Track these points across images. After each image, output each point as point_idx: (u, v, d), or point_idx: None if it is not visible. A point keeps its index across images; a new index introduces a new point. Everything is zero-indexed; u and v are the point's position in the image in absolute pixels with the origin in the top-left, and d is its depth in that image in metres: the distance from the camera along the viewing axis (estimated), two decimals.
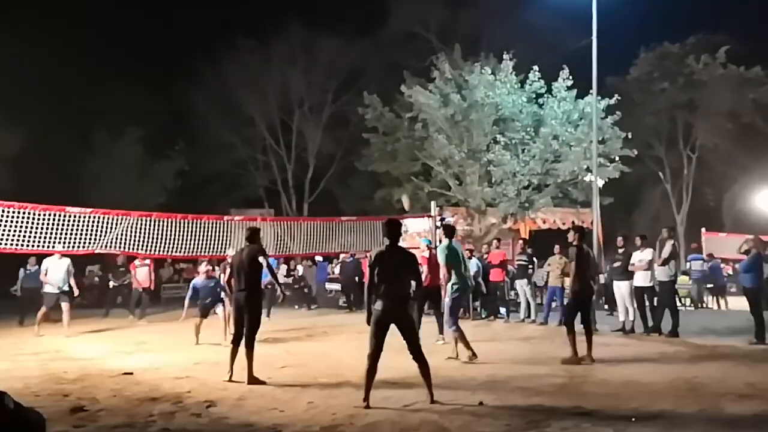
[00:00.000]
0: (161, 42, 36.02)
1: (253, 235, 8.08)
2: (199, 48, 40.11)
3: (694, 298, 18.21)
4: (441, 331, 10.62)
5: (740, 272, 11.68)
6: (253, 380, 7.47)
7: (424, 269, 10.90)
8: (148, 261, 16.97)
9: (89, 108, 28.87)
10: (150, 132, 29.99)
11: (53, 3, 30.66)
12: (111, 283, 18.04)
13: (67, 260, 13.27)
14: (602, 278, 14.74)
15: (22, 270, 16.13)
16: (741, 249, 11.25)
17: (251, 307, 7.71)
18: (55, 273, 13.11)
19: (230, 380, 7.56)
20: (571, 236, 9.25)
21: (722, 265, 21.30)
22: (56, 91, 26.86)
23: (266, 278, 14.73)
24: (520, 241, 15.77)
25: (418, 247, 16.46)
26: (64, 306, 13.12)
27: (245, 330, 7.66)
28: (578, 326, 8.78)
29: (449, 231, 9.42)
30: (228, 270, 8.35)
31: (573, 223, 21.32)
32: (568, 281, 13.70)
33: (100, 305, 18.30)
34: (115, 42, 33.53)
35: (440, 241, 10.31)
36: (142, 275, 16.65)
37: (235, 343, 7.72)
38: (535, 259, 15.65)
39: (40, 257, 13.58)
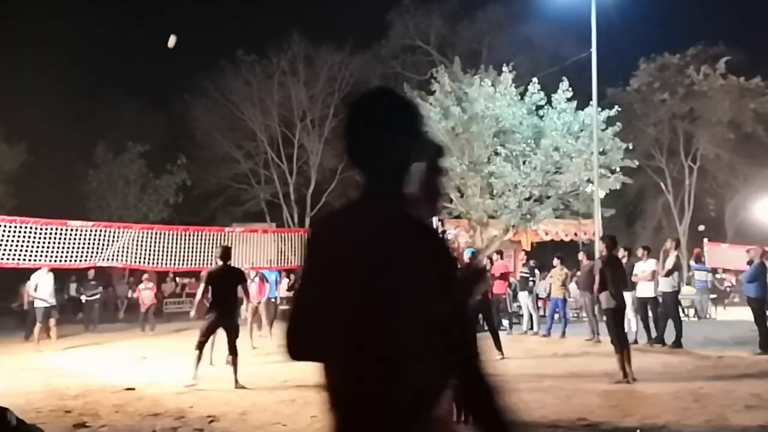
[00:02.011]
0: (163, 57, 36.13)
1: (226, 254, 8.78)
2: (201, 63, 40.26)
3: (698, 308, 18.16)
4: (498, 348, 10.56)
5: (744, 282, 11.64)
6: (239, 385, 8.16)
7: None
8: (151, 284, 17.46)
9: (91, 123, 28.98)
10: (152, 147, 30.06)
11: (55, 20, 30.86)
12: (83, 297, 18.10)
13: (51, 274, 13.37)
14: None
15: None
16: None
17: (231, 322, 8.42)
18: (44, 287, 13.21)
19: (194, 384, 8.09)
20: (600, 246, 9.09)
21: (724, 275, 21.24)
22: (58, 107, 26.97)
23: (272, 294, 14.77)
24: (522, 253, 15.75)
25: None
26: (52, 321, 13.23)
27: (230, 340, 8.31)
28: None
29: None
30: (203, 284, 8.93)
31: (575, 234, 21.35)
32: (566, 291, 13.81)
33: (102, 320, 18.30)
34: (116, 57, 33.72)
35: None
36: (147, 296, 17.47)
37: (201, 348, 8.30)
38: (537, 270, 15.63)
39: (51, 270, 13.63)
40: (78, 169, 28.70)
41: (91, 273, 17.52)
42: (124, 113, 28.70)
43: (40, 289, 13.24)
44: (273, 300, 17.20)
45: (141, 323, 17.75)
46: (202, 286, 9.00)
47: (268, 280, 15.58)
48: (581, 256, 14.15)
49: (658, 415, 6.20)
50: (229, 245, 10.46)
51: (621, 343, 8.19)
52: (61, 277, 15.67)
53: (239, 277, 8.73)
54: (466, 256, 11.66)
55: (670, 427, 5.82)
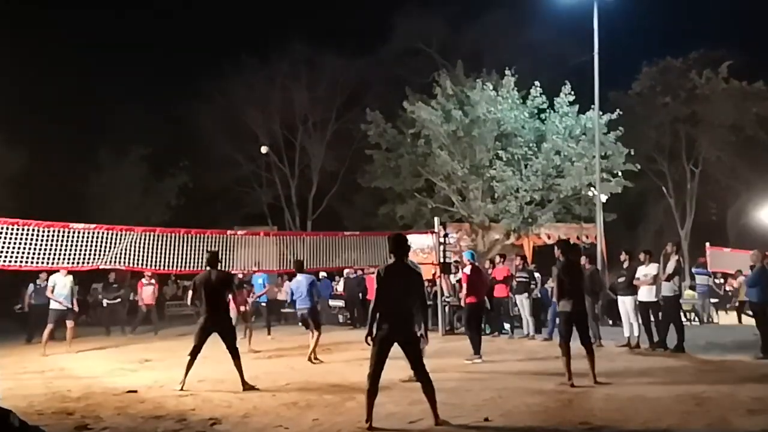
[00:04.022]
0: (166, 60, 36.29)
1: (214, 259, 8.90)
2: (204, 66, 40.43)
3: (699, 312, 18.13)
4: (476, 351, 10.55)
5: (746, 287, 11.61)
6: (247, 386, 8.19)
7: (464, 287, 11.00)
8: (153, 280, 17.14)
9: (94, 126, 29.05)
10: (154, 150, 30.12)
11: (58, 22, 30.96)
12: (105, 301, 18.01)
13: (71, 277, 13.32)
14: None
15: (31, 285, 15.99)
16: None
17: (224, 325, 8.53)
18: (61, 289, 13.16)
19: (182, 389, 8.12)
20: (556, 252, 9.00)
21: (723, 280, 21.18)
22: (61, 110, 27.05)
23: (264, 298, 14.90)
24: (519, 258, 15.69)
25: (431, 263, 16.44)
26: (69, 323, 13.19)
27: (228, 345, 8.40)
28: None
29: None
30: (190, 290, 9.24)
31: (577, 237, 21.34)
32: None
33: (101, 323, 18.25)
34: (119, 61, 33.81)
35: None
36: (147, 293, 16.91)
37: (194, 355, 8.41)
38: (536, 275, 15.59)
39: (51, 273, 13.56)
40: (80, 171, 28.73)
41: (112, 276, 17.39)
42: (126, 116, 28.75)
43: (57, 291, 13.16)
44: (264, 304, 17.16)
45: (135, 323, 17.15)
46: (190, 292, 9.26)
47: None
48: (583, 260, 14.10)
49: (660, 418, 6.20)
50: (217, 250, 10.64)
51: (567, 347, 8.27)
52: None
53: (226, 281, 8.79)
54: (466, 259, 11.71)
55: (672, 430, 5.81)
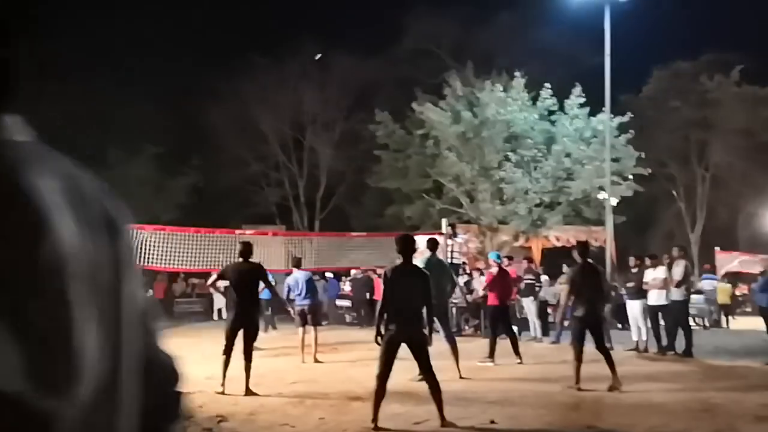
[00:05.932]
0: (177, 59, 36.33)
1: (248, 250, 8.43)
2: (215, 65, 40.43)
3: (706, 316, 18.03)
4: (491, 354, 10.54)
5: (756, 292, 11.56)
6: (249, 392, 7.80)
7: (487, 287, 11.11)
8: None
9: (105, 124, 29.14)
10: (165, 148, 30.21)
11: (68, 18, 31.08)
12: None
13: None
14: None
15: None
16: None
17: (251, 322, 8.09)
18: None
19: (223, 392, 7.79)
20: (574, 254, 9.00)
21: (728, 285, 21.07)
22: (72, 108, 27.15)
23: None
24: (525, 261, 15.64)
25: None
26: None
27: (246, 343, 7.96)
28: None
29: (432, 244, 9.65)
30: (218, 275, 8.75)
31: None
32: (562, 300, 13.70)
33: None
34: (131, 59, 33.90)
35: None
36: None
37: (227, 353, 8.01)
38: (543, 277, 15.55)
39: None
40: (91, 169, 28.75)
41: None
42: (138, 115, 28.86)
43: None
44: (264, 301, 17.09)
45: None
46: (213, 275, 8.81)
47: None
48: None
49: (666, 423, 6.17)
50: (250, 241, 10.22)
51: (578, 350, 8.17)
52: None
53: (258, 272, 8.30)
54: (492, 260, 11.84)
55: None
